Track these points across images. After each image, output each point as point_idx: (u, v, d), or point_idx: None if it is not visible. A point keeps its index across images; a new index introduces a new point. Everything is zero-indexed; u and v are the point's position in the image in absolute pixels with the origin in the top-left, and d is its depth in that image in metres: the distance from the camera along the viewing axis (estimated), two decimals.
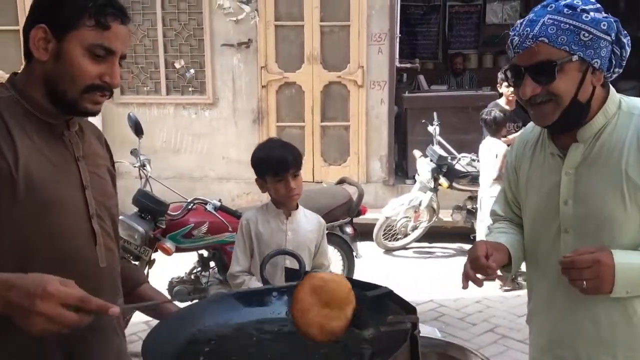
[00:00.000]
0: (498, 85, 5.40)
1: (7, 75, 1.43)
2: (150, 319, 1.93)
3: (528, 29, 1.46)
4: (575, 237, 1.54)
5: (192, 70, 6.63)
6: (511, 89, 5.18)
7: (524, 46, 1.46)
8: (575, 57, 1.43)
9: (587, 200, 1.51)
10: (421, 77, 7.65)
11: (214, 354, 1.14)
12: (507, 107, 5.31)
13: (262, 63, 6.45)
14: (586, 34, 1.42)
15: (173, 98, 6.69)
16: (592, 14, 1.44)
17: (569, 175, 1.54)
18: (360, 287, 1.33)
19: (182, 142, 6.73)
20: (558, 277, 1.53)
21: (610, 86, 1.55)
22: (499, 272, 1.61)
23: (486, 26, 10.22)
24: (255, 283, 2.38)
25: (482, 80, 8.65)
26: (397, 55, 6.61)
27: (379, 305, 1.24)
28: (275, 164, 2.38)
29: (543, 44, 1.44)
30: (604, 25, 1.44)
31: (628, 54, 1.50)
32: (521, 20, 1.52)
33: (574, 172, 1.54)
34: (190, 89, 6.68)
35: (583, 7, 1.44)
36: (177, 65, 6.63)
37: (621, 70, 1.52)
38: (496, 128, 4.96)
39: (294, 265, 1.42)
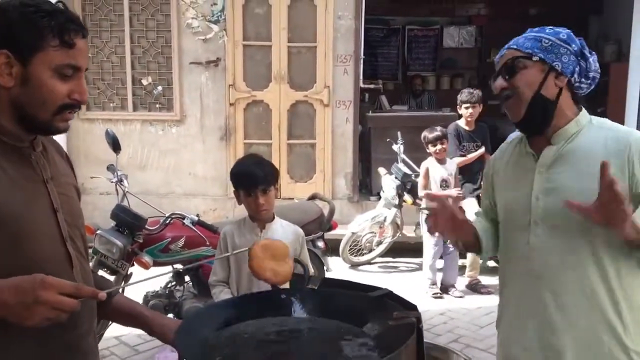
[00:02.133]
0: (457, 107, 5.64)
1: None
2: (121, 333, 1.94)
3: (506, 45, 1.78)
4: (544, 228, 1.73)
5: (159, 87, 6.67)
6: (470, 110, 5.47)
7: (501, 54, 1.78)
8: (535, 58, 1.70)
9: (557, 196, 1.69)
10: (383, 98, 7.89)
11: (236, 347, 1.25)
12: (466, 128, 5.56)
13: (230, 81, 6.56)
14: (547, 41, 1.71)
15: (140, 114, 6.71)
16: (557, 29, 1.73)
17: (541, 173, 1.75)
18: (362, 290, 1.47)
19: (149, 158, 6.74)
20: (526, 267, 1.74)
21: (583, 107, 1.79)
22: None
23: (443, 49, 10.62)
24: (226, 295, 2.49)
25: (440, 101, 8.98)
26: (361, 76, 6.81)
27: (381, 304, 1.38)
28: (245, 179, 2.50)
29: (512, 49, 1.75)
30: (563, 35, 1.72)
31: (596, 70, 1.74)
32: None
33: (546, 171, 1.74)
34: (157, 106, 6.72)
35: (552, 27, 1.74)
36: (145, 82, 6.67)
37: (591, 85, 1.76)
38: (425, 145, 5.22)
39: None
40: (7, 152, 1.31)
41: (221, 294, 2.49)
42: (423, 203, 5.66)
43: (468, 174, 5.54)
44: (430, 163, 5.16)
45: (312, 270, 2.71)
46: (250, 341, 1.33)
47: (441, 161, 5.12)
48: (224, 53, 6.53)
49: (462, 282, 5.50)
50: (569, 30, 1.74)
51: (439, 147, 5.04)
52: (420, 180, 5.21)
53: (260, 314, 1.41)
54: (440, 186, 5.07)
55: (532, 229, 1.75)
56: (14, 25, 1.26)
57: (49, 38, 1.26)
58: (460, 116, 5.67)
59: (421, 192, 5.17)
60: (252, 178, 2.48)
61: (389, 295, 1.39)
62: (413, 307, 1.30)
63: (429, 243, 5.21)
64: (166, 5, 6.54)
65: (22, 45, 1.26)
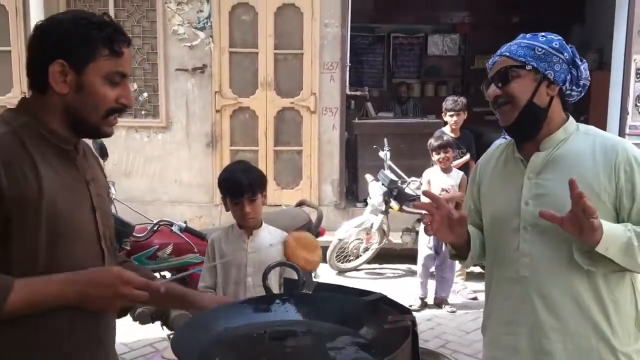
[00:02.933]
0: (443, 114, 5.70)
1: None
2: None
3: (499, 50, 1.80)
4: (533, 233, 1.75)
5: (145, 94, 6.65)
6: (454, 118, 5.52)
7: (493, 61, 1.80)
8: (529, 66, 1.73)
9: (546, 201, 1.72)
10: (369, 105, 7.93)
11: (232, 351, 1.25)
12: (452, 135, 5.61)
13: (216, 88, 6.56)
14: (540, 49, 1.73)
15: (125, 121, 6.66)
16: (550, 37, 1.76)
17: (530, 179, 1.77)
18: (356, 294, 1.48)
19: (134, 165, 6.71)
20: (516, 272, 1.76)
21: (569, 115, 1.82)
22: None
23: (428, 57, 10.73)
24: None
25: (424, 109, 9.06)
26: (347, 83, 6.85)
27: (375, 308, 1.39)
28: (231, 187, 2.50)
29: (505, 57, 1.77)
30: (555, 44, 1.75)
31: (586, 77, 1.78)
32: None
33: (535, 177, 1.77)
34: (143, 112, 6.69)
35: (544, 34, 1.77)
36: (131, 89, 6.62)
37: (581, 93, 1.79)
38: (430, 153, 5.12)
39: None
40: (57, 154, 1.42)
41: None
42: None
43: None
44: (433, 171, 5.09)
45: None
46: (246, 344, 1.33)
47: (446, 170, 5.03)
48: (210, 60, 6.53)
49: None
50: (561, 38, 1.78)
51: (442, 155, 4.92)
52: (423, 187, 5.12)
53: (256, 319, 1.42)
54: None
55: (522, 234, 1.77)
56: (70, 38, 1.38)
57: (100, 48, 1.38)
58: (445, 123, 5.72)
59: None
60: (238, 186, 2.47)
61: (383, 300, 1.40)
62: (407, 311, 1.32)
63: (422, 254, 5.16)
64: (152, 12, 6.54)
65: (76, 56, 1.38)
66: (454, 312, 5.05)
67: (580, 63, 1.76)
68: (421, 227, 5.06)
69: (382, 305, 1.39)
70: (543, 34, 1.78)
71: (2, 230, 1.31)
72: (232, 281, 2.53)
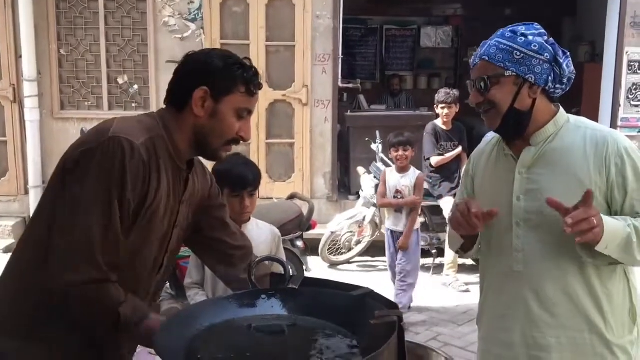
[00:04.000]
0: (435, 106, 5.68)
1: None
2: None
3: (480, 49, 1.76)
4: (526, 229, 1.75)
5: (135, 86, 6.59)
6: (446, 110, 5.51)
7: (474, 63, 1.77)
8: (508, 72, 1.70)
9: (538, 197, 1.71)
10: (362, 97, 7.90)
11: (217, 347, 1.24)
12: (443, 127, 5.60)
13: None
14: (518, 53, 1.69)
15: (115, 113, 6.60)
16: (530, 37, 1.70)
17: (522, 174, 1.76)
18: (343, 289, 1.47)
19: None
20: (509, 267, 1.75)
21: (560, 105, 1.80)
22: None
23: (421, 49, 10.69)
24: (201, 297, 2.46)
25: (417, 101, 9.04)
26: (340, 75, 6.82)
27: (362, 303, 1.38)
28: (235, 179, 2.45)
29: (484, 61, 1.73)
30: (534, 46, 1.69)
31: (571, 73, 1.74)
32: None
33: (526, 172, 1.76)
34: (133, 105, 6.63)
35: (523, 31, 1.71)
36: (120, 81, 6.58)
37: (566, 88, 1.76)
38: (388, 149, 4.84)
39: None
40: (173, 170, 1.58)
41: (196, 297, 2.46)
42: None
43: (446, 173, 5.59)
44: (390, 171, 4.78)
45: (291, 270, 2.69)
46: (231, 340, 1.31)
47: (402, 169, 4.65)
48: None
49: (439, 280, 5.54)
50: (542, 32, 1.73)
51: (400, 152, 4.56)
52: (379, 187, 4.80)
53: (241, 314, 1.40)
54: (394, 197, 4.63)
55: (514, 229, 1.77)
56: (217, 71, 1.57)
57: (239, 85, 1.57)
58: (437, 116, 5.71)
59: (379, 200, 4.78)
60: (241, 179, 2.44)
61: (370, 295, 1.39)
62: (394, 306, 1.30)
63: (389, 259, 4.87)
64: (142, 3, 6.46)
65: (219, 87, 1.56)
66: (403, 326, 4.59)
67: (562, 60, 1.72)
68: (387, 234, 4.77)
69: (370, 300, 1.37)
70: (523, 29, 1.72)
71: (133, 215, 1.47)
72: (211, 276, 2.50)
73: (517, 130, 1.75)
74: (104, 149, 1.43)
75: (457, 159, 5.55)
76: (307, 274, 4.54)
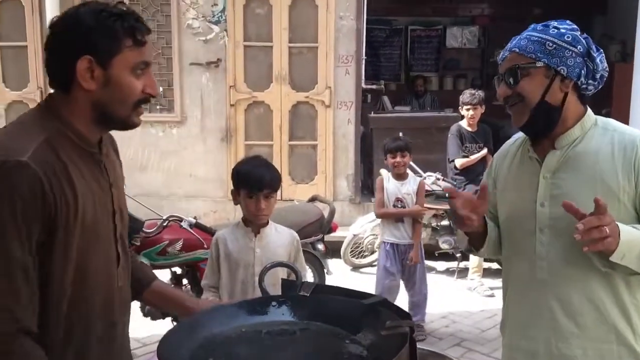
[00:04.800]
0: (460, 107, 5.59)
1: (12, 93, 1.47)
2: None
3: (509, 44, 1.70)
4: (550, 236, 1.68)
5: (160, 88, 6.64)
6: (471, 112, 5.41)
7: (503, 57, 1.70)
8: (540, 63, 1.63)
9: (562, 202, 1.64)
10: (385, 98, 7.83)
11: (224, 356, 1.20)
12: (469, 129, 5.51)
13: (230, 82, 6.52)
14: (551, 44, 1.63)
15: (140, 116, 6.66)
16: (562, 29, 1.64)
17: (546, 179, 1.69)
18: (355, 296, 1.42)
19: (150, 159, 6.71)
20: (533, 274, 1.69)
21: (588, 107, 1.73)
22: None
23: (446, 50, 10.57)
24: None
25: (443, 102, 8.93)
26: (363, 77, 6.77)
27: (374, 312, 1.33)
28: (252, 180, 2.42)
29: (515, 53, 1.67)
30: (567, 37, 1.63)
31: (604, 70, 1.67)
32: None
33: (551, 176, 1.69)
34: (158, 107, 6.68)
35: (555, 24, 1.66)
36: None
37: (598, 85, 1.69)
38: (384, 156, 4.43)
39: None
40: (84, 158, 1.39)
41: None
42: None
43: (471, 175, 5.49)
44: (388, 178, 4.36)
45: (307, 275, 2.66)
46: (238, 348, 1.28)
47: (400, 177, 4.33)
48: (224, 54, 6.49)
49: (463, 284, 5.45)
50: (575, 27, 1.67)
51: (398, 159, 4.23)
52: (376, 195, 4.41)
53: (250, 321, 1.37)
54: (394, 206, 4.27)
55: (538, 235, 1.70)
56: (92, 32, 1.33)
57: (124, 40, 1.34)
58: (463, 117, 5.62)
59: (378, 210, 4.32)
60: (259, 179, 2.41)
61: (382, 303, 1.34)
62: (406, 316, 1.25)
63: (379, 277, 4.41)
64: (167, 6, 6.51)
65: (102, 50, 1.33)
66: (423, 339, 4.30)
67: (596, 55, 1.65)
68: (381, 248, 4.37)
69: (382, 308, 1.32)
70: (555, 24, 1.67)
71: (48, 240, 1.29)
72: (239, 280, 2.47)
73: (546, 127, 1.68)
74: None
75: (483, 161, 5.45)
76: (328, 277, 4.50)
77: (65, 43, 1.36)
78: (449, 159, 5.58)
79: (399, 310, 1.30)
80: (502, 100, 1.71)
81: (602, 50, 1.69)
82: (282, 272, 2.35)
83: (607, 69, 1.69)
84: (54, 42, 1.38)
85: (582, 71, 1.64)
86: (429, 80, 9.88)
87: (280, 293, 1.51)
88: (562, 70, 1.63)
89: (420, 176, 5.72)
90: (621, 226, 1.53)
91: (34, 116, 1.39)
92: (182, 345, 1.19)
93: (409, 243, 4.27)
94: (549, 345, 1.70)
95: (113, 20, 1.34)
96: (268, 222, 2.52)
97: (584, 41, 1.65)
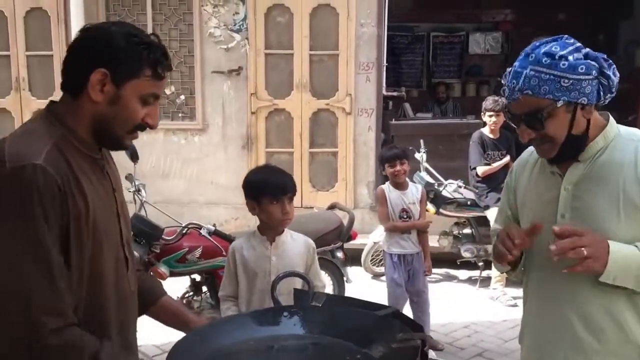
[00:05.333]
0: (482, 114, 5.53)
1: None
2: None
3: (514, 81, 1.59)
4: None
5: (182, 97, 6.70)
6: (494, 118, 5.34)
7: (513, 98, 1.60)
8: (560, 103, 1.55)
9: (584, 214, 1.61)
10: (407, 105, 7.80)
11: None
12: (491, 136, 5.45)
13: (252, 90, 6.55)
14: (566, 81, 1.54)
15: (163, 123, 6.73)
16: (570, 58, 1.54)
17: (568, 191, 1.65)
18: (368, 307, 1.40)
19: (171, 167, 6.77)
20: (552, 288, 1.65)
21: (610, 115, 1.68)
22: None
23: (469, 56, 10.49)
24: (232, 312, 2.43)
25: (465, 109, 8.85)
26: (384, 84, 6.74)
27: (387, 324, 1.31)
28: (275, 185, 2.42)
29: (528, 96, 1.56)
30: (581, 68, 1.54)
31: (618, 78, 1.62)
32: (509, 70, 1.64)
33: (572, 188, 1.64)
34: (180, 115, 6.75)
35: (561, 53, 1.55)
36: (168, 92, 6.70)
37: (614, 94, 1.63)
38: (381, 165, 4.29)
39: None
40: (89, 164, 1.42)
41: (228, 311, 2.42)
42: (378, 238, 4.86)
43: (493, 183, 5.42)
44: (389, 189, 4.17)
45: (325, 284, 2.64)
46: (249, 358, 1.27)
47: (401, 186, 4.16)
48: (245, 62, 6.53)
49: (486, 293, 5.37)
50: (578, 47, 1.57)
51: (398, 167, 4.06)
52: (378, 209, 4.27)
53: (261, 332, 1.36)
54: (400, 217, 4.11)
55: None
56: (118, 51, 1.37)
57: (145, 69, 1.39)
58: (485, 124, 5.55)
59: (386, 223, 4.14)
60: (282, 185, 2.42)
61: (395, 315, 1.32)
62: (419, 328, 1.23)
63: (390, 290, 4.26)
64: (189, 15, 6.58)
65: (121, 70, 1.37)
66: (441, 349, 4.26)
67: (609, 72, 1.58)
68: (387, 260, 4.22)
69: (394, 320, 1.30)
70: (559, 51, 1.55)
71: (64, 243, 1.32)
72: (257, 289, 2.46)
73: (574, 154, 1.64)
74: (5, 191, 1.25)
75: (505, 169, 5.36)
76: (347, 285, 4.47)
77: (89, 51, 1.40)
78: (470, 167, 5.52)
79: (411, 322, 1.28)
80: (526, 142, 1.66)
81: (609, 60, 1.61)
82: (299, 280, 2.34)
83: (619, 75, 1.63)
84: (79, 47, 1.42)
85: (600, 92, 1.59)
86: (451, 87, 9.81)
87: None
88: (582, 101, 1.57)
89: (441, 184, 5.68)
90: (614, 246, 1.50)
91: (39, 123, 1.41)
92: (191, 357, 1.18)
93: (415, 252, 4.18)
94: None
95: (142, 47, 1.38)
96: (283, 230, 2.51)
97: (594, 63, 1.57)
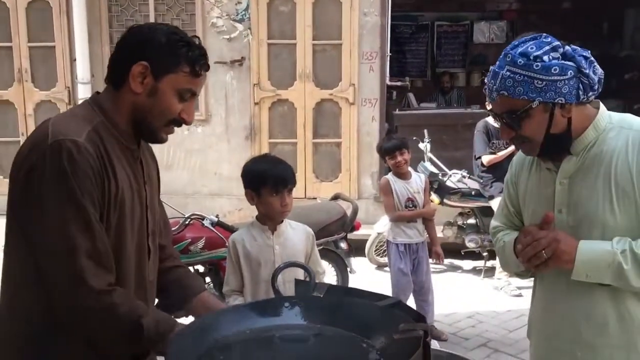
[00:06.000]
0: (486, 103, 5.47)
1: None
2: None
3: (492, 81, 1.58)
4: None
5: None
6: None
7: (491, 97, 1.60)
8: (535, 103, 1.53)
9: (580, 208, 1.59)
10: (411, 95, 7.76)
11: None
12: (496, 125, 5.40)
13: (254, 80, 6.52)
14: (540, 82, 1.51)
15: None
16: (545, 59, 1.51)
17: (563, 185, 1.63)
18: (369, 298, 1.38)
19: (175, 158, 6.76)
20: (557, 284, 1.63)
21: (601, 103, 1.65)
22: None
23: (474, 45, 10.42)
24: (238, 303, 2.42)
25: (470, 98, 8.80)
26: (387, 74, 6.70)
27: (389, 314, 1.29)
28: (275, 177, 2.40)
29: (504, 97, 1.55)
30: (554, 69, 1.51)
31: (600, 76, 1.58)
32: (491, 68, 1.61)
33: (567, 182, 1.63)
34: None
35: (535, 53, 1.51)
36: None
37: (599, 90, 1.59)
38: (382, 158, 4.28)
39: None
40: (124, 153, 1.50)
41: (234, 302, 2.41)
42: (382, 228, 4.87)
43: (498, 173, 5.37)
44: (390, 179, 4.19)
45: (324, 271, 2.63)
46: (248, 351, 1.26)
47: (404, 176, 4.17)
48: (248, 52, 6.49)
49: (490, 283, 5.36)
50: (555, 45, 1.53)
51: (399, 158, 4.07)
52: (383, 199, 4.25)
53: (261, 323, 1.34)
54: (406, 207, 4.13)
55: None
56: (160, 47, 1.47)
57: (183, 65, 1.47)
58: (489, 113, 5.50)
59: (392, 214, 4.14)
60: (283, 177, 2.41)
61: (397, 305, 1.30)
62: (421, 319, 1.21)
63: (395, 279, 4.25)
64: (191, 5, 6.55)
65: (160, 64, 1.47)
66: (445, 339, 4.19)
67: (587, 69, 1.53)
68: (392, 250, 4.21)
69: (397, 311, 1.28)
70: (534, 51, 1.51)
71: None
72: (262, 280, 2.44)
73: (559, 151, 1.63)
74: (48, 162, 1.34)
75: (510, 158, 5.32)
76: (351, 276, 4.46)
77: (133, 45, 1.50)
78: (475, 156, 5.48)
79: (413, 312, 1.26)
80: (508, 140, 1.66)
81: (590, 57, 1.56)
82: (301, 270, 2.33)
83: (602, 73, 1.59)
84: (124, 42, 1.52)
85: (580, 91, 1.54)
86: (455, 77, 9.76)
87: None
88: (559, 101, 1.53)
89: (445, 174, 5.65)
90: (583, 246, 1.52)
91: (81, 109, 1.51)
92: (190, 347, 1.17)
93: (421, 241, 4.19)
94: (575, 357, 1.65)
95: (181, 45, 1.47)
96: (283, 220, 2.51)
97: (571, 63, 1.52)
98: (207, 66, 1.52)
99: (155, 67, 1.46)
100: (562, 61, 1.52)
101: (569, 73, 1.52)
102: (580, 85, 1.54)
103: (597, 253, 1.52)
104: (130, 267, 1.49)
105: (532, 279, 1.86)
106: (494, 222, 1.92)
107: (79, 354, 1.43)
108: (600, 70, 1.59)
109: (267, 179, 2.41)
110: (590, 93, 1.58)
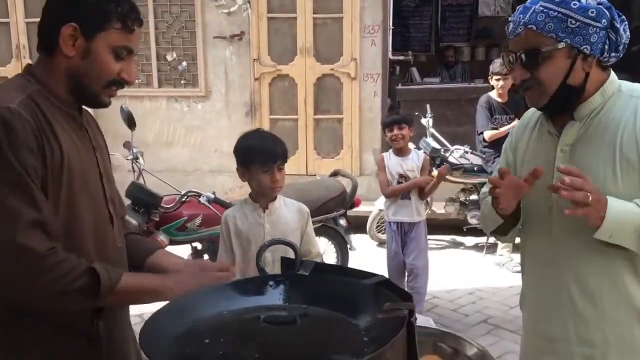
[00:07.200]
0: (489, 77, 5.39)
1: None
2: (142, 311, 1.93)
3: (521, 15, 1.53)
4: None
5: (184, 63, 6.60)
6: (502, 82, 5.19)
7: (515, 32, 1.53)
8: (562, 44, 1.48)
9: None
10: (414, 70, 7.66)
11: (214, 342, 1.13)
12: (499, 100, 5.32)
13: (254, 55, 6.43)
14: (573, 21, 1.47)
15: (165, 91, 6.66)
16: (582, 2, 1.48)
17: (565, 152, 1.58)
18: (356, 276, 1.34)
19: (175, 135, 6.70)
20: (549, 254, 1.60)
21: (612, 71, 1.59)
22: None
23: (479, 19, 10.25)
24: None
25: (474, 73, 8.67)
26: (390, 48, 6.59)
27: (375, 293, 1.25)
28: (264, 154, 2.35)
29: (532, 31, 1.50)
30: (592, 12, 1.47)
31: (627, 39, 1.53)
32: (519, 7, 1.56)
33: (569, 149, 1.57)
34: (182, 82, 6.65)
35: None
36: (169, 58, 6.59)
37: (619, 55, 1.55)
38: (383, 132, 4.19)
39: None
40: (67, 120, 1.45)
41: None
42: (383, 205, 4.44)
43: (500, 148, 5.25)
44: (386, 155, 4.12)
45: (320, 250, 2.58)
46: (229, 331, 1.21)
47: (401, 152, 4.06)
48: (248, 26, 6.39)
49: (492, 259, 5.32)
50: (602, 2, 1.50)
51: (396, 132, 3.96)
52: (379, 176, 4.18)
53: (244, 302, 1.30)
54: (398, 182, 4.03)
55: (555, 214, 1.59)
56: (87, 5, 1.42)
57: (113, 21, 1.42)
58: (493, 88, 5.42)
59: (386, 189, 4.03)
60: (271, 153, 2.35)
61: (384, 283, 1.25)
62: (408, 298, 1.16)
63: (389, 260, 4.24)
64: None
65: (89, 23, 1.41)
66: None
67: (619, 25, 1.50)
68: (387, 229, 4.16)
69: (383, 289, 1.24)
70: None
71: (42, 184, 1.36)
72: (252, 258, 2.40)
73: (564, 107, 1.56)
74: None
75: None
76: (351, 253, 4.43)
77: (58, 8, 1.44)
78: (477, 131, 5.41)
79: (400, 291, 1.22)
80: (519, 83, 1.57)
81: (624, 17, 1.53)
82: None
83: (629, 37, 1.55)
84: (49, 5, 1.46)
85: (606, 46, 1.50)
86: (460, 51, 9.61)
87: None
88: (585, 49, 1.49)
89: (448, 149, 5.58)
90: (612, 203, 1.43)
91: (14, 81, 1.46)
92: (167, 329, 1.13)
93: (415, 222, 4.06)
94: (566, 329, 1.62)
95: (109, 1, 1.42)
96: (276, 197, 2.45)
97: (607, 12, 1.49)
98: (140, 21, 1.47)
99: (85, 27, 1.40)
100: (600, 7, 1.49)
101: (602, 21, 1.48)
102: (608, 40, 1.50)
103: (625, 212, 1.45)
104: (86, 233, 1.44)
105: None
106: (484, 188, 1.87)
107: (44, 338, 1.40)
108: (628, 33, 1.54)
109: (255, 155, 2.36)
110: (613, 54, 1.53)
